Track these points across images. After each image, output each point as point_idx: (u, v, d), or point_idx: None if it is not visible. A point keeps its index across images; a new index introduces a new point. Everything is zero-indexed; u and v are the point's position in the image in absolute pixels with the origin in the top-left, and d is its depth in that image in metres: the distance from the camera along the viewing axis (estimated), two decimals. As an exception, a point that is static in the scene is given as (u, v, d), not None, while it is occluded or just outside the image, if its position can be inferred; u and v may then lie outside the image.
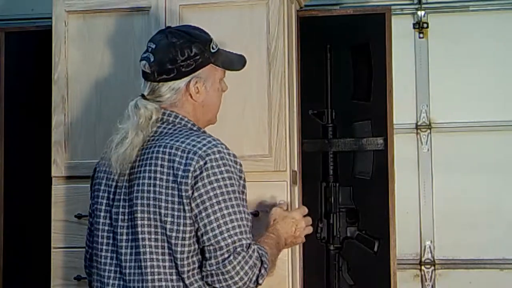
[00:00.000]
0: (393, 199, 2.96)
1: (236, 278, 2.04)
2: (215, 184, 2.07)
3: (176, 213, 2.07)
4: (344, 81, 3.03)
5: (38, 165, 3.06)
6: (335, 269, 2.98)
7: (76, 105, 2.85)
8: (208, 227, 2.05)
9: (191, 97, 2.22)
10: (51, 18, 2.89)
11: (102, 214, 2.20)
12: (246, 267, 2.05)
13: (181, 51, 2.19)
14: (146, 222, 2.09)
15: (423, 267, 3.62)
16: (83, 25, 2.86)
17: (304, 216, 2.43)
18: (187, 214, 2.07)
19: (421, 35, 3.69)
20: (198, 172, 2.06)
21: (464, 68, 3.65)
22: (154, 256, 2.09)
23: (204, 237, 2.06)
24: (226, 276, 2.04)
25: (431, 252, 3.62)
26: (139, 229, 2.10)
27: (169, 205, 2.08)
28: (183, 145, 2.10)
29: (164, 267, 2.08)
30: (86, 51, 2.85)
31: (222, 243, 2.04)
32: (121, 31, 2.83)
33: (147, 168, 2.12)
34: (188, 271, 2.08)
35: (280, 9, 2.73)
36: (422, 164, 3.66)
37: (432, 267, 3.61)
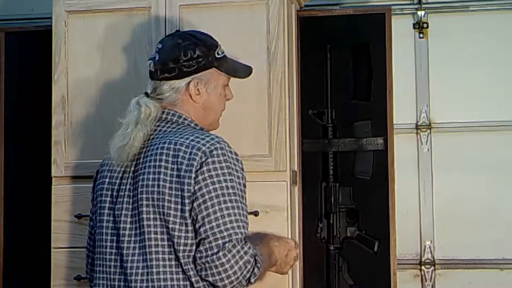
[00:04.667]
0: (393, 199, 2.96)
1: (230, 272, 2.04)
2: (215, 179, 2.09)
3: (179, 207, 2.09)
4: (344, 81, 3.03)
5: (38, 165, 3.06)
6: (335, 269, 2.97)
7: (76, 105, 2.85)
8: (205, 219, 2.07)
9: (191, 97, 2.25)
10: (51, 18, 2.89)
11: (106, 211, 2.21)
12: (241, 262, 2.05)
13: (184, 52, 2.24)
14: (151, 216, 2.11)
15: (423, 267, 3.62)
16: (83, 25, 2.86)
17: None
18: (187, 208, 2.09)
19: (421, 35, 3.69)
20: (199, 167, 2.09)
21: (464, 68, 3.65)
22: (160, 249, 2.10)
23: (201, 229, 2.07)
24: (220, 269, 2.04)
25: (431, 252, 3.62)
26: (145, 222, 2.12)
27: (173, 199, 2.10)
28: (187, 141, 2.13)
29: (170, 262, 2.10)
30: (86, 51, 2.85)
31: (218, 235, 2.05)
32: (121, 31, 2.83)
33: (152, 163, 2.14)
34: (192, 266, 2.10)
35: (280, 9, 2.73)
36: (422, 164, 3.66)
37: (432, 267, 3.62)
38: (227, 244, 2.04)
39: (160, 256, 2.10)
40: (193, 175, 2.09)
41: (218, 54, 2.30)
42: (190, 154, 2.10)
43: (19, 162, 3.17)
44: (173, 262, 2.10)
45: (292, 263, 2.40)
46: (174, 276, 2.10)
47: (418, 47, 3.70)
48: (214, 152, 2.11)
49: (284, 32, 2.73)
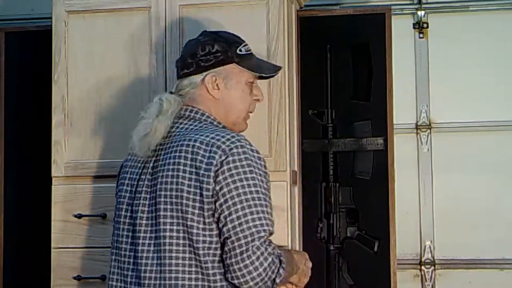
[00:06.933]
0: (393, 199, 2.96)
1: (254, 274, 2.04)
2: (236, 177, 2.08)
3: (198, 205, 2.08)
4: (344, 81, 3.03)
5: (38, 165, 3.06)
6: (335, 269, 2.97)
7: (76, 105, 2.85)
8: (227, 219, 2.06)
9: (209, 92, 2.24)
10: (51, 18, 2.89)
11: (124, 207, 2.22)
12: (265, 264, 2.05)
13: (202, 47, 2.26)
14: (168, 214, 2.11)
15: (423, 267, 3.62)
16: (83, 25, 2.86)
17: None
18: (205, 207, 2.07)
19: (421, 35, 3.69)
20: (219, 166, 2.08)
21: (464, 68, 3.65)
22: (174, 248, 2.09)
23: (224, 229, 2.06)
24: (244, 271, 2.04)
25: (431, 252, 3.62)
26: (161, 220, 2.11)
27: (191, 197, 2.09)
28: (207, 139, 2.12)
29: (184, 261, 2.09)
30: (86, 51, 2.85)
31: (241, 235, 2.04)
32: (121, 31, 2.83)
33: (171, 160, 2.13)
34: (212, 265, 2.09)
35: (280, 9, 2.73)
36: (422, 164, 3.66)
37: (432, 267, 3.62)
38: (250, 246, 2.04)
39: (174, 254, 2.09)
40: (213, 174, 2.07)
41: (240, 50, 2.29)
42: (210, 152, 2.09)
43: (19, 162, 3.17)
44: (189, 262, 2.09)
45: (307, 278, 2.36)
46: (187, 275, 2.09)
47: (418, 47, 3.70)
48: (234, 150, 2.10)
49: (284, 32, 2.73)
